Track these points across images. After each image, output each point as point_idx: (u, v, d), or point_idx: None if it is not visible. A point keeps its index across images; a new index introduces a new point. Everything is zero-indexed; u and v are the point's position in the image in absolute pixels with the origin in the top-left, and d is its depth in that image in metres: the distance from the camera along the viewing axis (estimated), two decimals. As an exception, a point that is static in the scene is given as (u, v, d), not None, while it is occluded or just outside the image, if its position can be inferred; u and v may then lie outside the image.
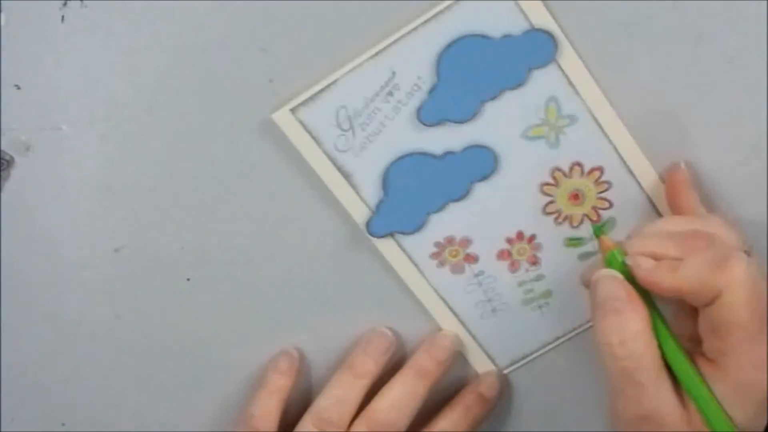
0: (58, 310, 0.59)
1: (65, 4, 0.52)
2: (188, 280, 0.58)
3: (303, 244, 0.58)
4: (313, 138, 0.55)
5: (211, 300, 0.59)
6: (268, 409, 0.59)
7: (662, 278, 0.49)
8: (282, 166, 0.56)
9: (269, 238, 0.58)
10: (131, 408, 0.62)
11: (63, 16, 0.52)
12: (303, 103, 0.54)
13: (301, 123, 0.54)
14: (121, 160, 0.56)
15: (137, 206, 0.57)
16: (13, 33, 0.52)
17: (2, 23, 0.52)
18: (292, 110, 0.54)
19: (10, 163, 0.54)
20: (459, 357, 0.60)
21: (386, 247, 0.57)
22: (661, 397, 0.49)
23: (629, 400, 0.49)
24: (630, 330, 0.49)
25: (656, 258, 0.50)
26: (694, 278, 0.48)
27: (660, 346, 0.49)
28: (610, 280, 0.50)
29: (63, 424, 0.62)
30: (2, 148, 0.54)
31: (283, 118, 0.54)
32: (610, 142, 0.55)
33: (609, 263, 0.51)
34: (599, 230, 0.53)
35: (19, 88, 0.53)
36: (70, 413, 0.61)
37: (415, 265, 0.58)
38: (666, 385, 0.49)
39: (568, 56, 0.53)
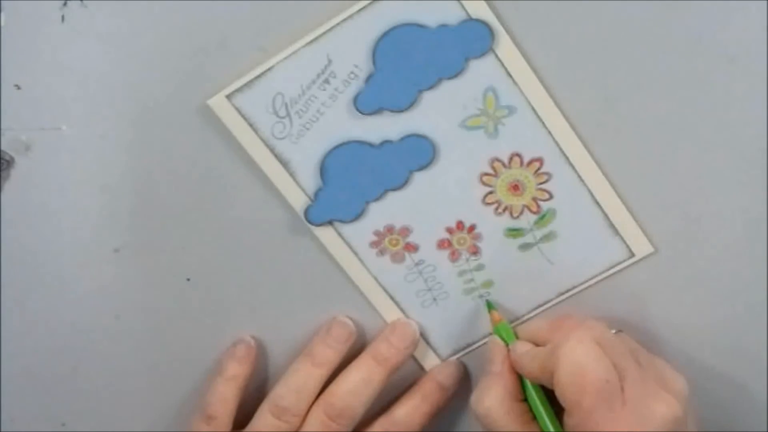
0: (58, 310, 0.59)
1: (65, 4, 0.52)
2: (188, 280, 0.58)
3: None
4: (250, 124, 0.54)
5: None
6: (225, 396, 0.59)
7: (523, 365, 0.54)
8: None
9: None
10: (131, 408, 0.62)
11: (63, 16, 0.52)
12: (239, 90, 0.54)
13: (237, 109, 0.54)
14: (121, 160, 0.56)
15: (137, 206, 0.57)
16: (13, 33, 0.53)
17: (2, 23, 0.52)
18: (228, 96, 0.54)
19: (10, 163, 0.54)
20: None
21: (325, 235, 0.57)
22: None
23: None
24: (491, 392, 0.55)
25: (537, 343, 0.55)
26: (537, 363, 0.53)
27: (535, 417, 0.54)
28: (492, 345, 0.57)
29: (63, 424, 0.62)
30: (2, 148, 0.54)
31: (219, 104, 0.54)
32: (549, 133, 0.55)
33: (497, 335, 0.57)
34: (490, 305, 0.58)
35: (19, 88, 0.54)
36: (70, 413, 0.62)
37: (355, 253, 0.58)
38: None
39: (505, 46, 0.53)
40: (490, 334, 0.58)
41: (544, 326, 0.56)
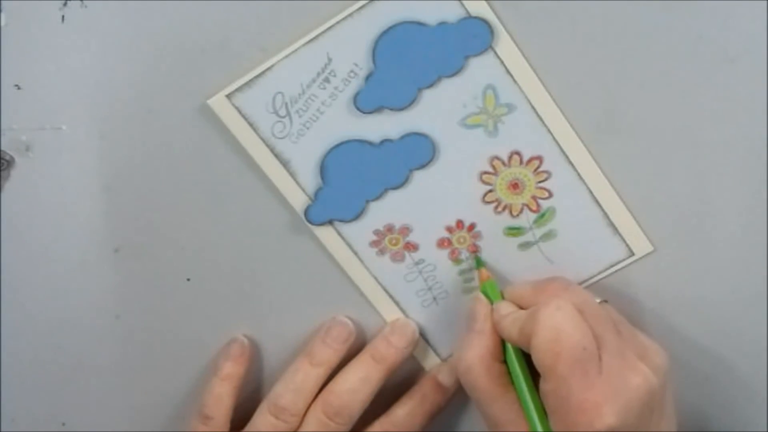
0: (58, 310, 0.59)
1: (65, 4, 0.52)
2: (188, 280, 0.58)
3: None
4: (250, 124, 0.54)
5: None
6: (221, 396, 0.59)
7: (503, 327, 0.54)
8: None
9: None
10: (131, 408, 0.61)
11: (63, 16, 0.52)
12: (239, 89, 0.54)
13: (237, 109, 0.54)
14: (121, 160, 0.56)
15: (137, 206, 0.57)
16: (13, 33, 0.53)
17: (2, 23, 0.52)
18: (228, 96, 0.54)
19: (10, 163, 0.54)
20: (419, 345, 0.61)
21: (325, 235, 0.57)
22: (503, 417, 0.53)
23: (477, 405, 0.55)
24: (471, 349, 0.54)
25: (521, 305, 0.55)
26: (516, 327, 0.52)
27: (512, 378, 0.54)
28: (476, 302, 0.57)
29: (63, 424, 0.61)
30: (2, 148, 0.54)
31: (219, 103, 0.54)
32: (549, 131, 0.55)
33: (483, 293, 0.57)
34: (479, 263, 0.58)
35: (19, 88, 0.54)
36: (70, 413, 0.61)
37: (355, 253, 0.58)
38: (508, 408, 0.53)
39: (504, 44, 0.53)
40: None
41: (529, 288, 0.56)
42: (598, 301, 0.55)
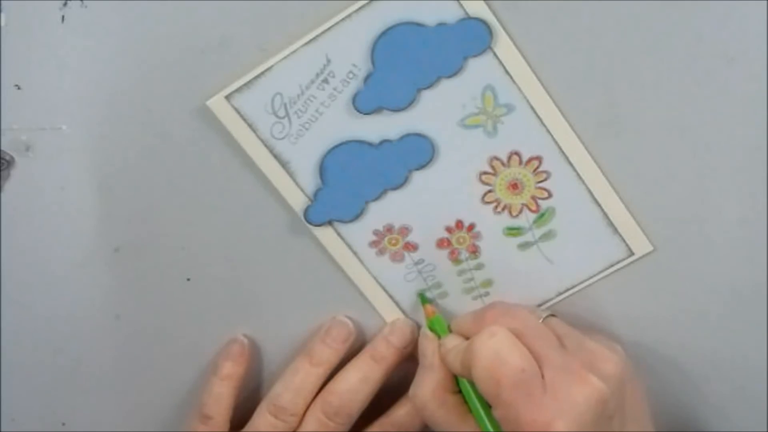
0: (58, 310, 0.59)
1: (65, 4, 0.52)
2: (188, 280, 0.59)
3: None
4: (249, 125, 0.54)
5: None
6: (220, 395, 0.59)
7: (449, 361, 0.54)
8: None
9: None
10: (131, 408, 0.62)
11: (63, 16, 0.52)
12: (238, 90, 0.54)
13: (236, 110, 0.54)
14: (121, 161, 0.56)
15: (137, 206, 0.57)
16: (13, 33, 0.53)
17: (2, 23, 0.52)
18: (227, 97, 0.54)
19: (10, 163, 0.54)
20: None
21: (325, 235, 0.57)
22: None
23: None
24: (424, 385, 0.55)
25: (467, 336, 0.54)
26: (458, 360, 0.52)
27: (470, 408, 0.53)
28: (423, 338, 0.57)
29: (63, 424, 0.62)
30: (2, 148, 0.54)
31: (218, 105, 0.54)
32: (548, 131, 0.55)
33: (431, 329, 0.57)
34: (424, 299, 0.58)
35: (19, 88, 0.54)
36: (70, 413, 0.62)
37: (355, 253, 0.58)
38: None
39: (503, 45, 0.53)
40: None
41: (470, 319, 0.56)
42: (544, 315, 0.55)
